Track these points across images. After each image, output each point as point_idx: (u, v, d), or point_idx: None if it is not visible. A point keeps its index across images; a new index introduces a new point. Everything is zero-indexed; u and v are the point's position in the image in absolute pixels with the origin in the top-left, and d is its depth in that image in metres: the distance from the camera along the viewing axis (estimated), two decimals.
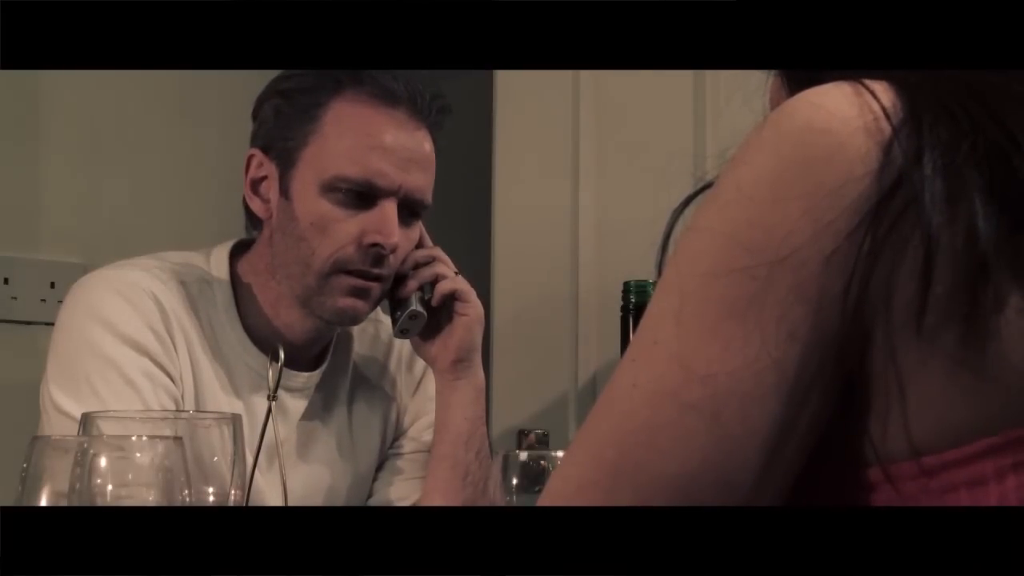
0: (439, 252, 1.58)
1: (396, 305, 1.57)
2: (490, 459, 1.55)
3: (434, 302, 1.56)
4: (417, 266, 1.55)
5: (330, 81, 1.50)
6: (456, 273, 1.58)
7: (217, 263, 1.56)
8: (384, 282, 1.52)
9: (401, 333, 1.57)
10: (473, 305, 1.57)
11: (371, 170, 1.47)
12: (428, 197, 1.53)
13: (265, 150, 1.54)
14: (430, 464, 1.58)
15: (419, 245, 1.57)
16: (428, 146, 1.53)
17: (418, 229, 1.56)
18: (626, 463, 0.68)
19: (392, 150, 1.49)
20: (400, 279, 1.55)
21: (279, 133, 1.52)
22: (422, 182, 1.51)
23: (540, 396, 2.09)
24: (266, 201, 1.53)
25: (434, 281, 1.56)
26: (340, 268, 1.49)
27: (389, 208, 1.48)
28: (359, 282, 1.49)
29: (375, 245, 1.48)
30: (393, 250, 1.49)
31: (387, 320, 1.63)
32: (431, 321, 1.57)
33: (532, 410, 2.08)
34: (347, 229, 1.48)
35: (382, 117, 1.50)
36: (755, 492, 0.68)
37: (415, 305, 1.54)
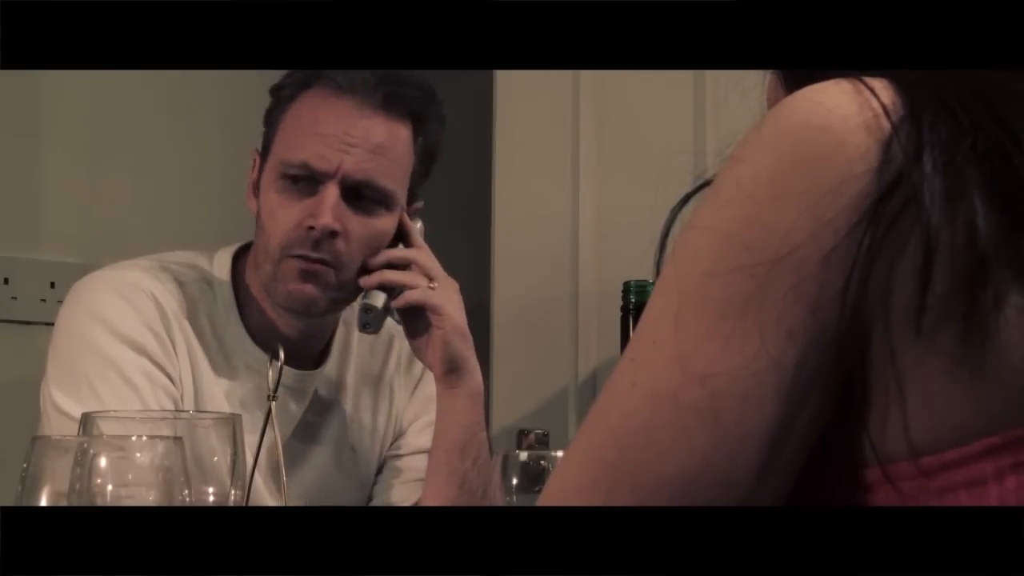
0: (420, 256, 1.54)
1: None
2: (489, 464, 1.54)
3: (395, 305, 1.54)
4: (391, 265, 1.54)
5: (303, 77, 1.52)
6: (432, 283, 1.53)
7: (220, 264, 1.57)
8: (334, 268, 1.50)
9: (363, 327, 1.56)
10: (447, 318, 1.52)
11: (307, 152, 1.48)
12: (382, 182, 1.50)
13: (259, 150, 1.57)
14: (427, 471, 1.56)
15: (408, 243, 1.55)
16: (382, 131, 1.50)
17: (386, 220, 1.52)
18: (625, 463, 0.68)
19: (333, 135, 1.49)
20: (366, 271, 1.53)
21: (265, 132, 1.56)
22: (366, 165, 1.49)
23: (540, 396, 2.09)
24: (258, 199, 1.55)
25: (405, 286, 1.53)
26: (287, 253, 1.49)
27: (328, 192, 1.48)
28: (303, 264, 1.49)
29: (312, 228, 1.48)
30: (329, 234, 1.48)
31: (387, 320, 1.63)
32: (420, 326, 1.55)
33: (532, 410, 2.08)
34: (290, 215, 1.49)
35: (330, 106, 1.50)
36: (754, 492, 0.68)
37: (370, 299, 1.53)
